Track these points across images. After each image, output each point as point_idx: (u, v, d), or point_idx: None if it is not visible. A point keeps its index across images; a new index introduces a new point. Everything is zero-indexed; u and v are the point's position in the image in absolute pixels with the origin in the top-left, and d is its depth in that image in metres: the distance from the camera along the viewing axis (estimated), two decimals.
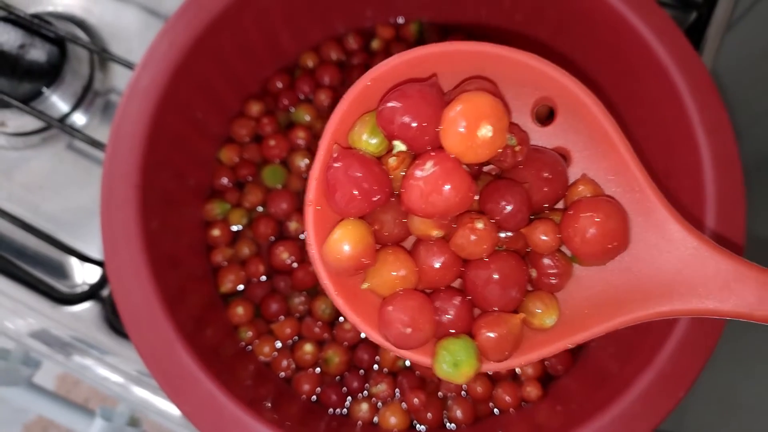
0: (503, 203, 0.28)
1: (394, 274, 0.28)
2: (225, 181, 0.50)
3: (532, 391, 0.44)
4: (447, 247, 0.28)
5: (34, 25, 0.55)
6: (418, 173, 0.26)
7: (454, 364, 0.27)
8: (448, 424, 0.45)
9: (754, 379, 0.74)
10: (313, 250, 0.28)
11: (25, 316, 0.53)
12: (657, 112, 0.43)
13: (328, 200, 0.28)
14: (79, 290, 0.53)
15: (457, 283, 0.30)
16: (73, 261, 0.54)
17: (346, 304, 0.29)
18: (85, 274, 0.54)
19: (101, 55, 0.55)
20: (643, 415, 0.37)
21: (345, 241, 0.27)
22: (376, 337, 0.29)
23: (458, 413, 0.45)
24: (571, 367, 0.46)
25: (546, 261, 0.29)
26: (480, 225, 0.27)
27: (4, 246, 0.55)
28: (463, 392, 0.46)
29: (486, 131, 0.25)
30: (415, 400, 0.44)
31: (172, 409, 0.52)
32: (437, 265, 0.28)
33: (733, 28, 0.58)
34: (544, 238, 0.28)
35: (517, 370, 0.46)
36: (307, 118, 0.51)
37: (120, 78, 0.58)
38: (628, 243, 0.28)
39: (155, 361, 0.38)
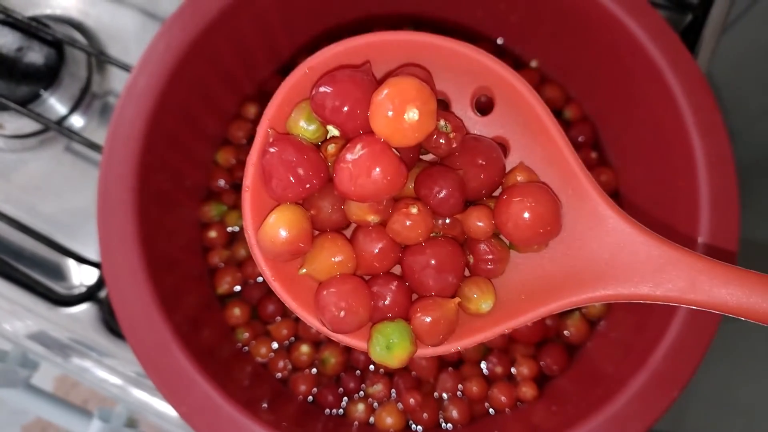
0: (436, 189, 0.28)
1: (333, 259, 0.28)
2: (222, 182, 0.50)
3: (527, 391, 0.44)
4: (384, 233, 0.29)
5: (31, 28, 0.55)
6: (348, 156, 0.26)
7: (387, 346, 0.28)
8: (444, 424, 0.45)
9: (751, 379, 0.74)
10: (250, 236, 0.28)
11: (23, 318, 0.53)
12: (652, 114, 0.44)
13: (265, 186, 0.28)
14: (76, 292, 0.53)
15: (398, 271, 0.30)
16: (71, 262, 0.54)
17: (283, 288, 0.29)
18: (82, 276, 0.54)
19: (99, 58, 0.56)
20: (638, 415, 0.37)
21: (281, 226, 0.27)
22: (313, 322, 0.29)
23: (454, 413, 0.45)
24: (567, 367, 0.46)
25: (482, 247, 0.29)
26: (414, 210, 0.27)
27: (2, 248, 0.55)
28: (458, 392, 0.46)
29: (412, 114, 0.25)
30: (411, 400, 0.44)
31: (170, 411, 0.52)
32: (375, 250, 0.29)
33: (729, 31, 0.58)
34: (479, 223, 0.29)
35: (513, 370, 0.46)
36: None
37: (117, 80, 0.58)
38: (560, 228, 0.28)
39: (152, 362, 0.38)
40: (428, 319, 0.28)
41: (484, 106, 0.30)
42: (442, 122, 0.28)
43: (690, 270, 0.26)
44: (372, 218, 0.28)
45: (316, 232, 0.29)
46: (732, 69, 0.76)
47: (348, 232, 0.30)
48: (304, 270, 0.29)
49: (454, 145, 0.28)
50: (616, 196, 0.49)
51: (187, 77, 0.44)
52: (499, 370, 0.46)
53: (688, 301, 0.26)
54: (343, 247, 0.29)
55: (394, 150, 0.26)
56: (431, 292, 0.29)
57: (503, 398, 0.45)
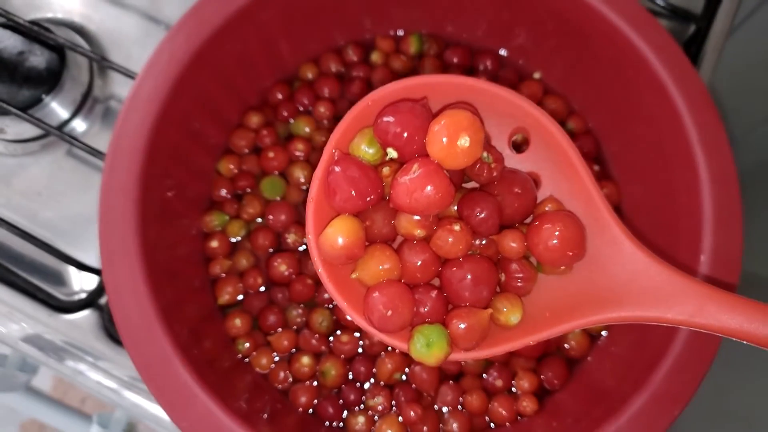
0: (477, 210, 0.32)
1: (381, 267, 0.32)
2: (224, 192, 0.50)
3: (528, 405, 0.45)
4: (428, 247, 0.32)
5: (33, 32, 0.55)
6: (406, 175, 0.30)
7: (427, 345, 0.31)
8: None
9: (748, 386, 0.74)
10: (311, 240, 0.32)
11: (23, 324, 0.53)
12: (655, 129, 0.44)
13: (328, 198, 0.32)
14: (76, 298, 0.53)
15: (436, 283, 0.33)
16: (71, 268, 0.54)
17: (336, 289, 0.32)
18: (82, 282, 0.54)
19: (100, 63, 0.55)
20: None
21: (340, 234, 0.31)
22: (360, 321, 0.32)
23: (454, 426, 0.45)
24: (567, 381, 0.46)
25: (514, 266, 0.33)
26: (457, 227, 0.31)
27: (2, 253, 0.55)
28: (459, 406, 0.46)
29: (464, 141, 0.29)
30: (412, 413, 0.44)
31: (167, 416, 0.52)
32: (418, 262, 0.32)
33: (730, 38, 0.58)
34: (512, 245, 0.32)
35: (513, 384, 0.46)
36: (307, 129, 0.51)
37: (119, 85, 0.58)
38: (585, 252, 0.32)
39: (153, 376, 0.38)
40: (463, 326, 0.31)
41: (519, 145, 0.34)
42: (485, 154, 0.32)
43: (699, 297, 0.29)
44: (419, 232, 0.31)
45: (368, 243, 0.33)
46: (732, 76, 0.76)
47: (394, 245, 0.33)
48: (356, 274, 0.32)
49: (495, 174, 0.32)
50: (618, 209, 0.49)
51: (190, 87, 0.44)
52: (499, 383, 0.46)
53: (696, 324, 0.29)
54: (390, 257, 0.32)
55: (445, 171, 0.30)
56: (466, 303, 0.32)
57: (503, 412, 0.45)
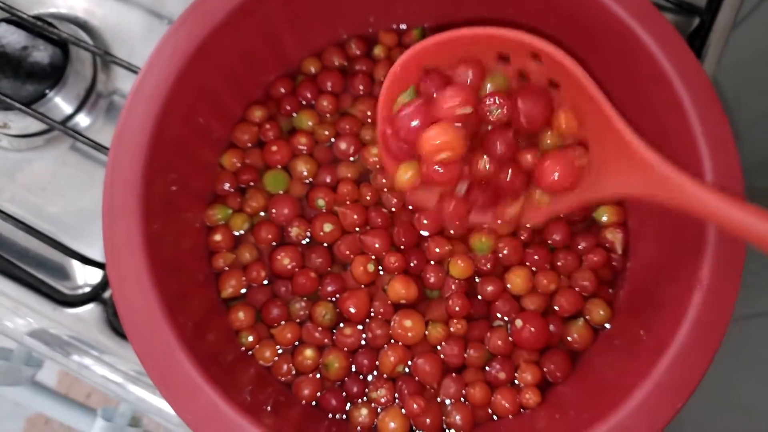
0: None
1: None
2: (227, 186, 0.50)
3: (530, 397, 0.45)
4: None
5: (36, 27, 0.55)
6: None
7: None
8: (446, 429, 0.45)
9: (752, 378, 0.74)
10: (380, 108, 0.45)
11: (27, 318, 0.53)
12: (659, 123, 0.43)
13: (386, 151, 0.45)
14: (81, 292, 0.53)
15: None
16: (75, 262, 0.54)
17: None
18: (86, 276, 0.55)
19: (104, 58, 0.55)
20: (641, 426, 0.37)
21: (408, 172, 0.44)
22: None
23: (457, 419, 0.45)
24: (570, 373, 0.46)
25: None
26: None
27: (6, 247, 0.55)
28: (462, 398, 0.46)
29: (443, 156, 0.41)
30: (415, 405, 0.44)
31: (171, 409, 0.52)
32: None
33: (734, 33, 0.58)
34: (528, 158, 0.44)
35: (516, 376, 0.46)
36: (309, 123, 0.51)
37: (123, 80, 0.58)
38: (578, 184, 0.42)
39: (157, 370, 0.38)
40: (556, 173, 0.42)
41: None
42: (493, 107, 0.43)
43: (681, 181, 0.36)
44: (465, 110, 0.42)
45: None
46: (736, 70, 0.76)
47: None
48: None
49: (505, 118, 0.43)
50: (621, 204, 0.49)
51: (193, 81, 0.44)
52: (502, 375, 0.46)
53: (674, 202, 0.36)
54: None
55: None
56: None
57: (506, 404, 0.45)
